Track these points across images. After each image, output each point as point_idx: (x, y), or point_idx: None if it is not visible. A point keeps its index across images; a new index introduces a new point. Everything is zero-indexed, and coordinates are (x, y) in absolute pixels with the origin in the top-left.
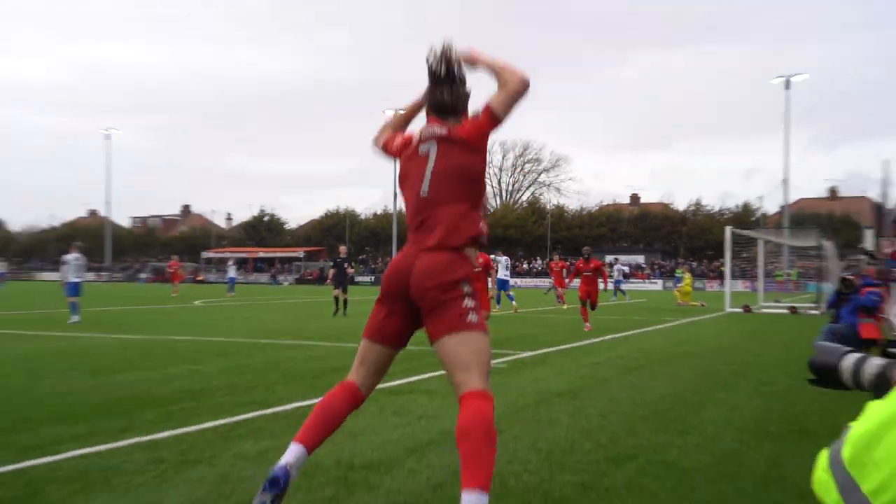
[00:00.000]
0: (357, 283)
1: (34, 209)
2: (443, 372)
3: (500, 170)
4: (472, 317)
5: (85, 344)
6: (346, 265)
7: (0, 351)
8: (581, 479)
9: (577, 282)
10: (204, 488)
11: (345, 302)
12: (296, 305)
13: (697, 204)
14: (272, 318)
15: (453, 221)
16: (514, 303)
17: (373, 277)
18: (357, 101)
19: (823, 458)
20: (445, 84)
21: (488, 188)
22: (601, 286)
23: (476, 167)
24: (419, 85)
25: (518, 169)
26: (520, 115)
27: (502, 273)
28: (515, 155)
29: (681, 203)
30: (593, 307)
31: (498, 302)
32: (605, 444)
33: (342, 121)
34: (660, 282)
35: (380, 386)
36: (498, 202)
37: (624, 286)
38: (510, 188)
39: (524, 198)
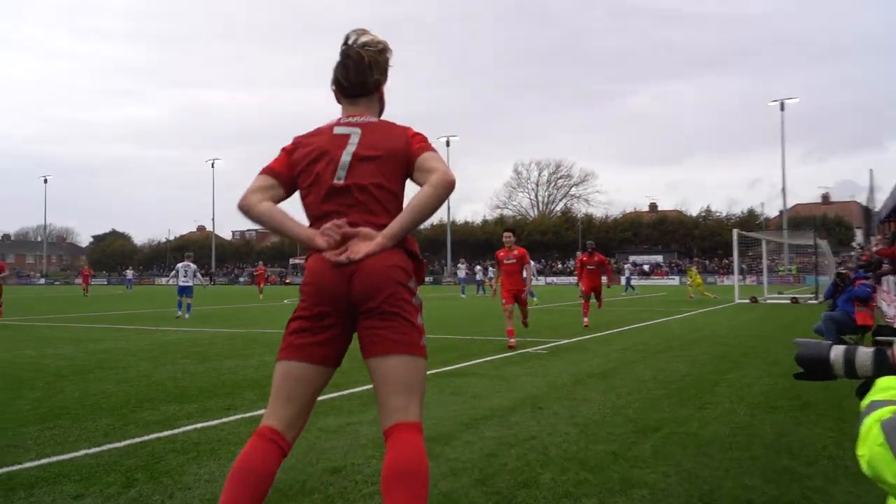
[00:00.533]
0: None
1: (154, 225)
2: (492, 357)
3: (537, 185)
4: (424, 340)
5: (196, 336)
6: None
7: (128, 343)
8: (612, 448)
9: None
10: (295, 457)
11: None
12: None
13: (708, 210)
14: None
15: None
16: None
17: (431, 279)
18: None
19: (874, 432)
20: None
21: (527, 200)
22: (604, 281)
23: None
24: (461, 115)
25: (552, 184)
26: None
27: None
28: (549, 172)
29: (693, 210)
30: (598, 302)
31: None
32: (633, 418)
33: None
34: (676, 278)
35: (439, 369)
36: (535, 212)
37: (643, 282)
38: (545, 200)
39: (558, 208)
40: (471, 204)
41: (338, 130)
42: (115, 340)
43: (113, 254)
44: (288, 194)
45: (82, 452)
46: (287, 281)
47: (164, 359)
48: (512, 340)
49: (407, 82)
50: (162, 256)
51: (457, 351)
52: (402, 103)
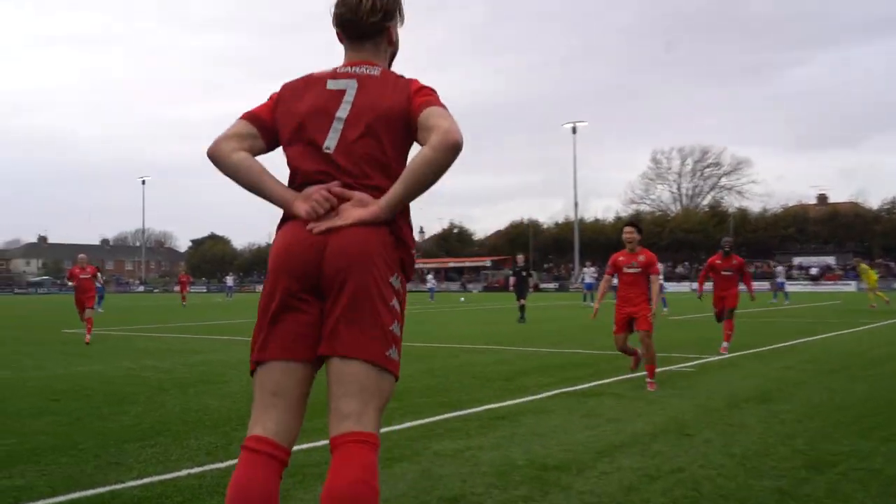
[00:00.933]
0: (542, 290)
1: (253, 229)
2: (631, 375)
3: (679, 175)
4: (394, 352)
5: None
6: (524, 273)
7: (229, 354)
8: (779, 485)
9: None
10: (407, 483)
11: (521, 308)
12: (484, 312)
13: (893, 202)
14: (464, 324)
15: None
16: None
17: (556, 284)
18: (539, 116)
19: None
20: None
21: (668, 194)
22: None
23: None
24: (588, 99)
25: (697, 174)
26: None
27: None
28: (694, 160)
29: (873, 202)
30: (730, 316)
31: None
32: (803, 450)
33: (526, 135)
34: (852, 283)
35: (568, 388)
36: (678, 207)
37: (811, 289)
38: (690, 193)
39: (705, 202)
40: (602, 199)
41: (331, 85)
42: (216, 352)
43: (212, 259)
44: (269, 148)
45: (185, 472)
46: None
47: (209, 376)
48: (634, 364)
49: (525, 61)
50: (263, 261)
51: (588, 367)
52: (519, 84)
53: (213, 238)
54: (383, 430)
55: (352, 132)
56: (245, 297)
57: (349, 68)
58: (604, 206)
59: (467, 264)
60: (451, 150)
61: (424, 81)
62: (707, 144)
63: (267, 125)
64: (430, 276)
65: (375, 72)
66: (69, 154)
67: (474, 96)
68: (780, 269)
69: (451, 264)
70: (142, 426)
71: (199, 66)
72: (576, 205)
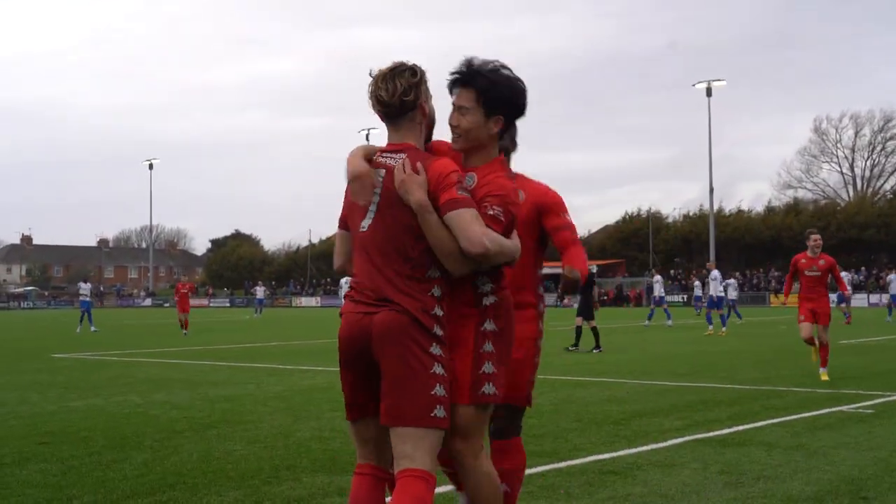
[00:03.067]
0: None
1: (290, 226)
2: (787, 417)
3: (852, 151)
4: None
5: None
6: (593, 283)
7: (259, 388)
8: None
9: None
10: None
11: (593, 331)
12: (586, 332)
13: None
14: (561, 349)
15: None
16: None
17: (684, 297)
18: (662, 74)
19: None
20: None
21: (836, 175)
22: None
23: None
24: (728, 50)
25: (877, 148)
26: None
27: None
28: (873, 130)
29: None
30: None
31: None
32: None
33: (645, 98)
34: None
35: (701, 434)
36: (850, 194)
37: None
38: (866, 174)
39: (887, 186)
40: (748, 182)
41: (379, 160)
42: (242, 384)
43: (237, 264)
44: None
45: None
46: None
47: (306, 411)
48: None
49: (643, 2)
50: (301, 268)
51: (728, 407)
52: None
53: (237, 237)
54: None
55: (384, 215)
56: (278, 312)
57: (382, 156)
58: (752, 190)
59: (566, 270)
60: (459, 268)
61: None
62: (891, 109)
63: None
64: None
65: (399, 160)
66: (58, 133)
67: (577, 46)
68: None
69: (545, 270)
70: (150, 477)
71: (221, 16)
72: (711, 191)
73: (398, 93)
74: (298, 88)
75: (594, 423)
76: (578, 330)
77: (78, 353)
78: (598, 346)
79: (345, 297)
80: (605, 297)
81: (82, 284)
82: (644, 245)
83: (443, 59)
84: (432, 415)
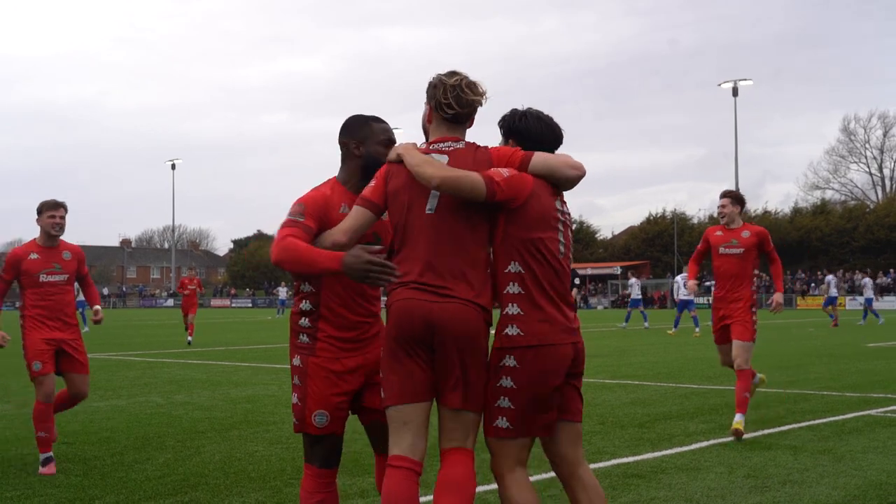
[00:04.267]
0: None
1: None
2: (815, 421)
3: (881, 151)
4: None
5: None
6: (575, 283)
7: (281, 388)
8: None
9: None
10: None
11: None
12: (610, 335)
13: None
14: (591, 351)
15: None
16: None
17: (708, 299)
18: (688, 73)
19: None
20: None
21: (864, 176)
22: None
23: None
24: (754, 49)
25: None
26: None
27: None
28: None
29: None
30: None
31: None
32: None
33: (671, 98)
34: None
35: (727, 438)
36: (879, 195)
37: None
38: (895, 175)
39: None
40: (777, 183)
41: (433, 148)
42: (264, 385)
43: (259, 264)
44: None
45: None
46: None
47: None
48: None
49: (671, 4)
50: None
51: (754, 410)
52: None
53: (259, 238)
54: (480, 489)
55: (446, 200)
56: None
57: (441, 143)
58: (780, 192)
59: (589, 271)
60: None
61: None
62: None
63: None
64: (634, 285)
65: (461, 145)
66: (81, 133)
67: (604, 45)
68: (866, 281)
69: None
70: (172, 478)
71: (245, 15)
72: (736, 187)
73: (476, 103)
74: (322, 88)
75: (618, 426)
76: None
77: (100, 353)
78: None
79: (406, 285)
80: (629, 300)
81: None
82: (669, 246)
83: (467, 56)
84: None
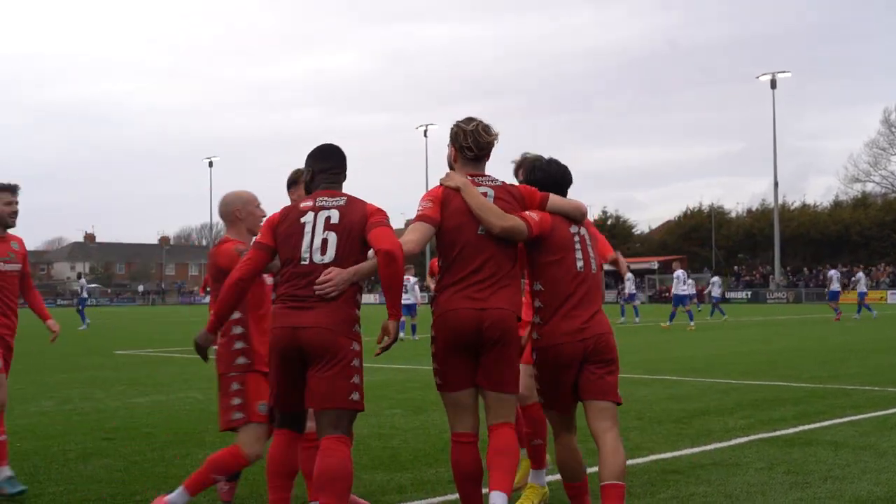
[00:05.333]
0: (728, 301)
1: None
2: (855, 416)
3: None
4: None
5: (410, 376)
6: None
7: None
8: None
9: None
10: None
11: None
12: (647, 330)
13: None
14: (621, 347)
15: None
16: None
17: (748, 293)
18: (716, 66)
19: None
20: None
21: None
22: None
23: None
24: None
25: None
26: None
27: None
28: None
29: None
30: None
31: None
32: None
33: (708, 90)
34: None
35: (766, 434)
36: None
37: None
38: None
39: None
40: (817, 176)
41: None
42: None
43: None
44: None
45: None
46: None
47: (367, 407)
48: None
49: None
50: None
51: (794, 405)
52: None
53: None
54: (518, 485)
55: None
56: None
57: (480, 178)
58: (821, 185)
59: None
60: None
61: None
62: None
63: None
64: (629, 280)
65: (498, 183)
66: (121, 131)
67: (639, 38)
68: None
69: (605, 267)
70: None
71: (278, 14)
72: (776, 185)
73: (491, 143)
74: (354, 84)
75: (656, 422)
76: None
77: (140, 349)
78: None
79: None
80: (667, 294)
81: (82, 281)
82: (706, 241)
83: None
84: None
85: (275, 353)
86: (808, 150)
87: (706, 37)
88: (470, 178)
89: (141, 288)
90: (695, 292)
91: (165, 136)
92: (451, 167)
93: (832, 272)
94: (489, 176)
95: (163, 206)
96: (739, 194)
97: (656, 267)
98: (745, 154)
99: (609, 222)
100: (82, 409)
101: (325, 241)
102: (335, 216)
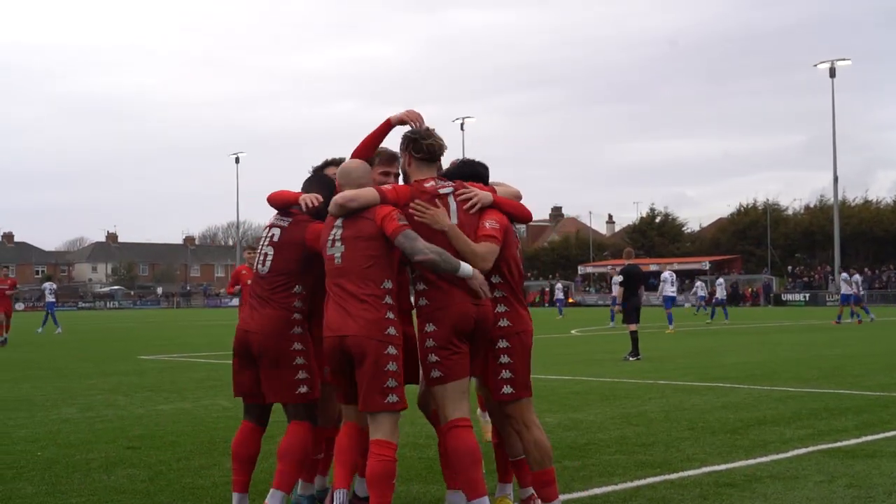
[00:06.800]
0: (785, 303)
1: None
2: None
3: None
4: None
5: None
6: (637, 278)
7: None
8: None
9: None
10: None
11: (634, 338)
12: (699, 334)
13: None
14: (670, 351)
15: None
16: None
17: (806, 295)
18: (771, 54)
19: None
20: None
21: None
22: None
23: None
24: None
25: None
26: None
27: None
28: None
29: None
30: None
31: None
32: None
33: (764, 80)
34: None
35: (826, 445)
36: None
37: None
38: None
39: None
40: (883, 169)
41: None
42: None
43: None
44: None
45: None
46: (572, 300)
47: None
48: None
49: None
50: None
51: (856, 415)
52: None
53: None
54: (563, 497)
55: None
56: None
57: (434, 182)
58: (892, 179)
59: (676, 266)
60: None
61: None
62: None
63: None
64: (615, 283)
65: (451, 190)
66: (143, 125)
67: (690, 25)
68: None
69: (653, 267)
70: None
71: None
72: (835, 180)
73: (444, 147)
74: (392, 74)
75: (709, 432)
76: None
77: (164, 354)
78: (636, 353)
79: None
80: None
81: (47, 285)
82: (762, 239)
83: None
84: None
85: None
86: (873, 143)
87: (762, 23)
88: (432, 181)
89: (160, 290)
90: (718, 295)
91: (190, 130)
92: (405, 174)
93: (844, 275)
94: (438, 177)
95: (187, 205)
96: (798, 190)
97: (707, 267)
98: (805, 147)
99: (657, 220)
100: (105, 416)
101: (265, 255)
102: (277, 234)
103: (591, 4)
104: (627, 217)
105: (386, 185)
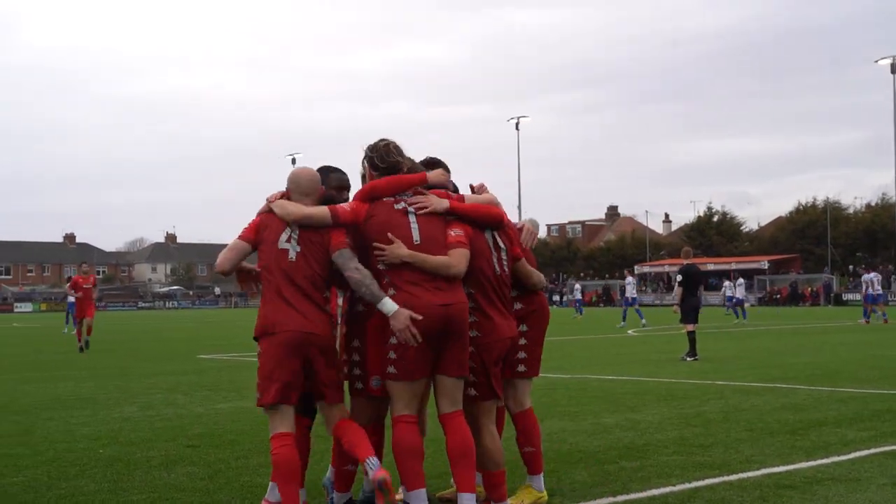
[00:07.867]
0: (846, 303)
1: None
2: None
3: None
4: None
5: None
6: (696, 277)
7: None
8: None
9: None
10: None
11: (691, 338)
12: (759, 334)
13: None
14: (728, 351)
15: None
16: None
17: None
18: (830, 49)
19: None
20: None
21: None
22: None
23: None
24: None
25: None
26: None
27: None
28: None
29: None
30: None
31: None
32: None
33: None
34: None
35: (890, 447)
36: None
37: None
38: None
39: None
40: None
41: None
42: None
43: None
44: None
45: None
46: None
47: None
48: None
49: None
50: None
51: None
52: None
53: None
54: (618, 498)
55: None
56: None
57: (394, 197)
58: None
59: (733, 266)
60: None
61: None
62: None
63: None
64: (677, 282)
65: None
66: (201, 127)
67: (743, 21)
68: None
69: (710, 266)
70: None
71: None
72: None
73: (399, 162)
74: (444, 74)
75: (768, 433)
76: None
77: (223, 353)
78: (693, 354)
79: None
80: (779, 296)
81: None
82: (822, 238)
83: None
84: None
85: None
86: None
87: (818, 17)
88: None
89: (218, 290)
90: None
91: (246, 131)
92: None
93: (874, 276)
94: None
95: (245, 205)
96: (860, 188)
97: (766, 267)
98: (866, 145)
99: (715, 219)
100: (165, 414)
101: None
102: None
103: (642, 2)
104: (684, 216)
105: (344, 205)
